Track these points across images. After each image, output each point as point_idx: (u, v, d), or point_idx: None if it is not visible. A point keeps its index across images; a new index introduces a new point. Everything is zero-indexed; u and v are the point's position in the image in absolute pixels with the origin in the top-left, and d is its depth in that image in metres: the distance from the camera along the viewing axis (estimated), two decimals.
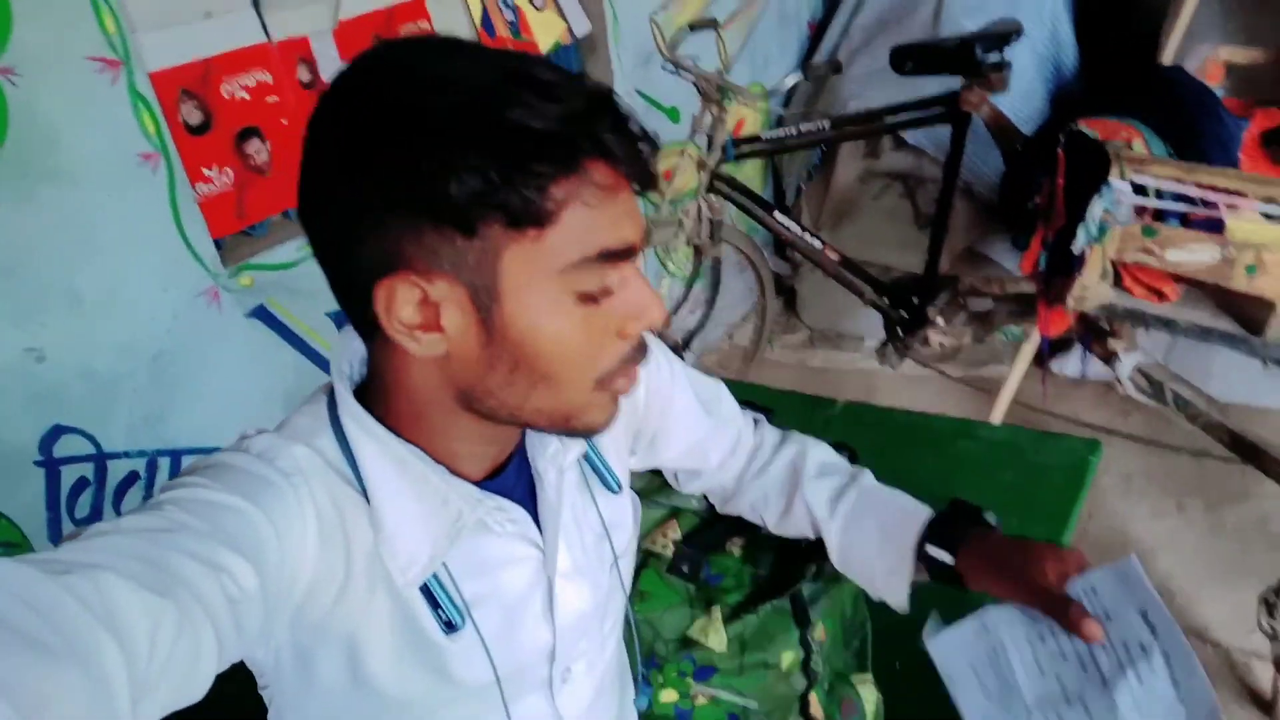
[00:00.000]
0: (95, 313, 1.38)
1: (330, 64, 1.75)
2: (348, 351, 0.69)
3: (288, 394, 1.71)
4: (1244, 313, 1.60)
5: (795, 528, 0.93)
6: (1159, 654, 0.66)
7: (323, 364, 1.78)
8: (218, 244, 1.57)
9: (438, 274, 0.57)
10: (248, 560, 0.56)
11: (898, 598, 0.87)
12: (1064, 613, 0.71)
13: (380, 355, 0.65)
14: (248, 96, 1.63)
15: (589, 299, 0.60)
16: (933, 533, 0.84)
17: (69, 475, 1.40)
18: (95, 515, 1.44)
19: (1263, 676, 1.80)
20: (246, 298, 1.62)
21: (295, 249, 1.69)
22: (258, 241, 1.67)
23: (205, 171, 1.57)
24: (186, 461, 1.55)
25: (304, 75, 1.72)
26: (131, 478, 1.47)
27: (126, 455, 1.46)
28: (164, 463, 1.51)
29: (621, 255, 0.60)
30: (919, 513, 0.87)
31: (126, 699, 0.45)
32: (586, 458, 0.79)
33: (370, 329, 0.63)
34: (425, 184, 0.55)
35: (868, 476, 0.92)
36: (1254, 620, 1.67)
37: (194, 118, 1.55)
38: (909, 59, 1.97)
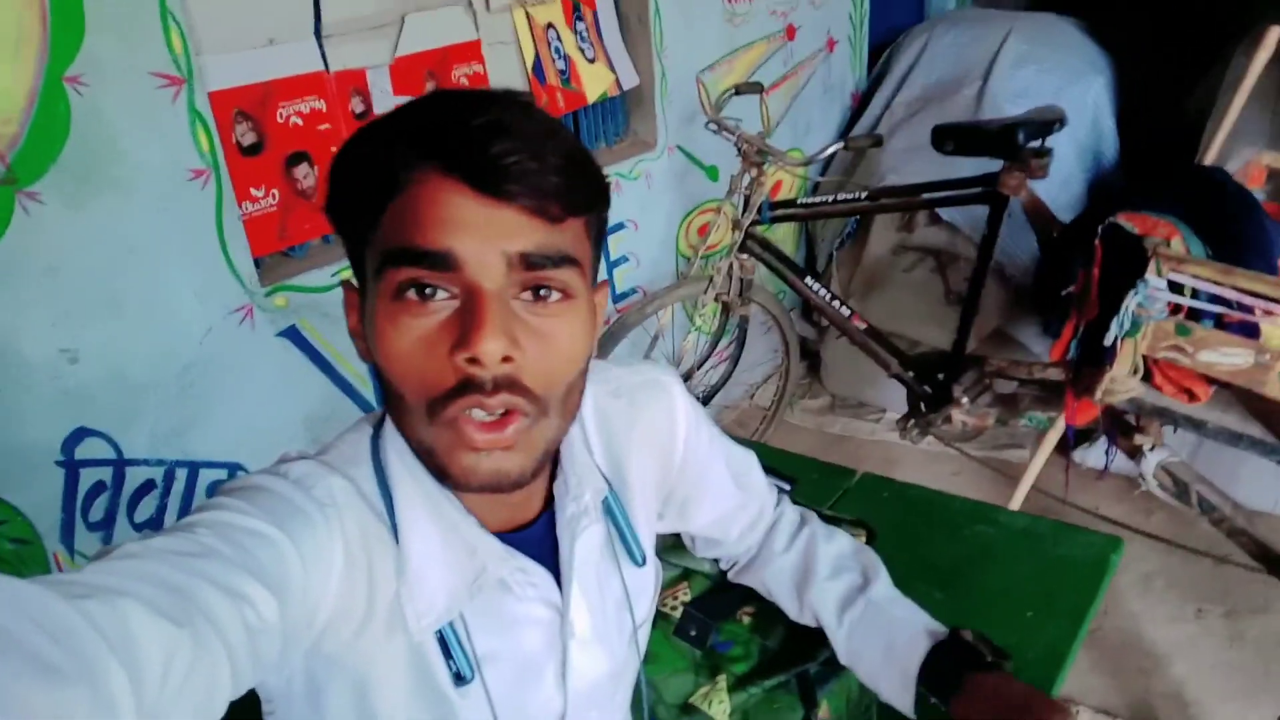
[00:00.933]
0: (132, 319, 1.40)
1: (383, 96, 1.79)
2: None
3: (309, 417, 1.72)
4: (1274, 420, 1.58)
5: (806, 620, 0.92)
6: None
7: (348, 390, 1.79)
8: (256, 263, 1.60)
9: (360, 279, 0.63)
10: (271, 591, 0.56)
11: (904, 707, 0.86)
12: None
13: None
14: (301, 122, 1.67)
15: (397, 295, 0.57)
16: (931, 669, 0.84)
17: (87, 478, 1.40)
18: (109, 520, 1.45)
19: None
20: (279, 318, 1.64)
21: (331, 273, 1.71)
22: (296, 263, 1.70)
23: (253, 191, 1.60)
24: (204, 475, 1.56)
25: (357, 106, 1.76)
26: (148, 486, 1.48)
27: (146, 463, 1.47)
28: (181, 474, 1.52)
29: (429, 260, 0.56)
30: (920, 642, 0.86)
31: None
32: (615, 525, 0.77)
33: None
34: (332, 191, 0.62)
35: (879, 583, 0.91)
36: None
37: (247, 139, 1.59)
38: (950, 139, 1.98)
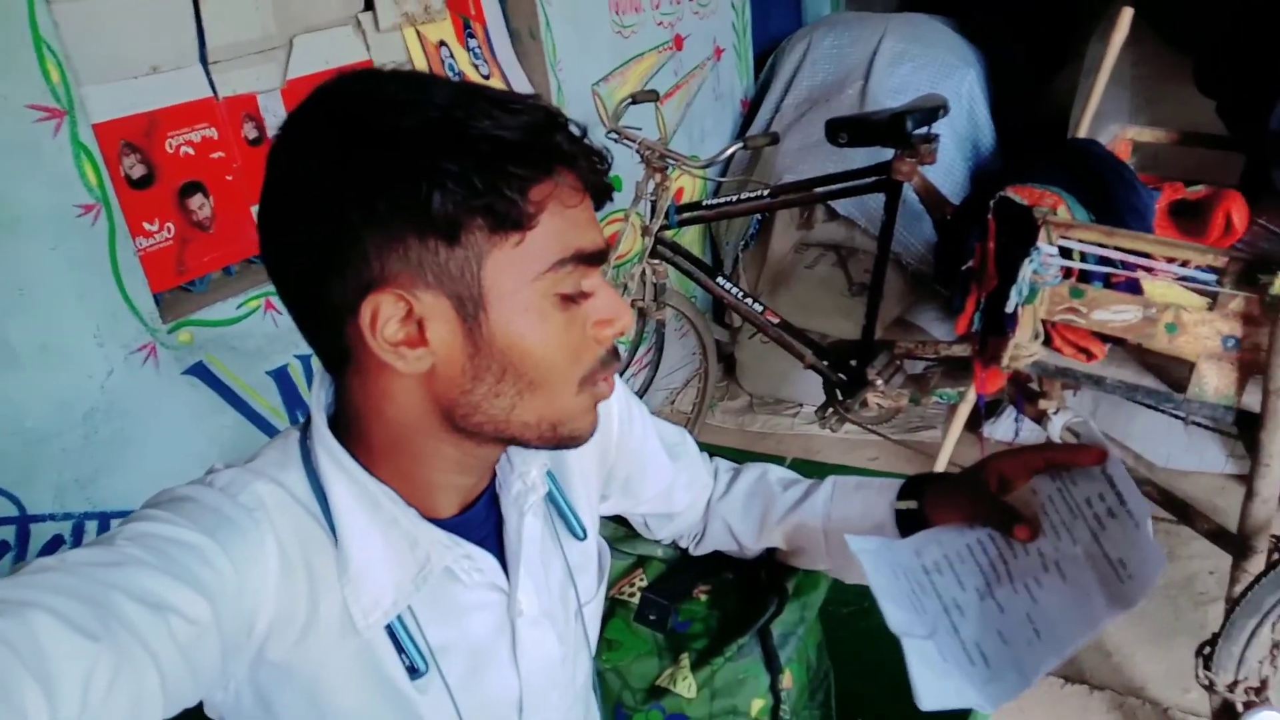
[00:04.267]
0: (27, 367, 1.32)
1: (277, 122, 1.74)
2: (325, 386, 0.68)
3: (224, 455, 1.64)
4: (1165, 372, 1.68)
5: (770, 539, 0.94)
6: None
7: (262, 424, 1.73)
8: (156, 299, 1.53)
9: (422, 287, 0.58)
10: (200, 594, 0.55)
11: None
12: (1002, 524, 0.74)
13: (356, 386, 0.64)
14: (192, 152, 1.61)
15: (569, 301, 0.62)
16: (902, 494, 0.87)
17: None
18: None
19: None
20: (185, 355, 1.57)
21: (236, 306, 1.66)
22: (198, 298, 1.64)
23: (146, 226, 1.54)
24: (115, 526, 1.47)
25: (250, 132, 1.71)
26: (56, 542, 1.39)
27: (52, 518, 1.38)
28: (91, 526, 1.44)
29: (595, 259, 0.63)
30: (893, 481, 0.90)
31: None
32: (554, 501, 0.78)
33: (343, 360, 0.63)
34: (407, 198, 0.56)
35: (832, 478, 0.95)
36: (1188, 678, 1.70)
37: (136, 171, 1.52)
38: (844, 131, 2.06)
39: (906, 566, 0.75)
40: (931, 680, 0.67)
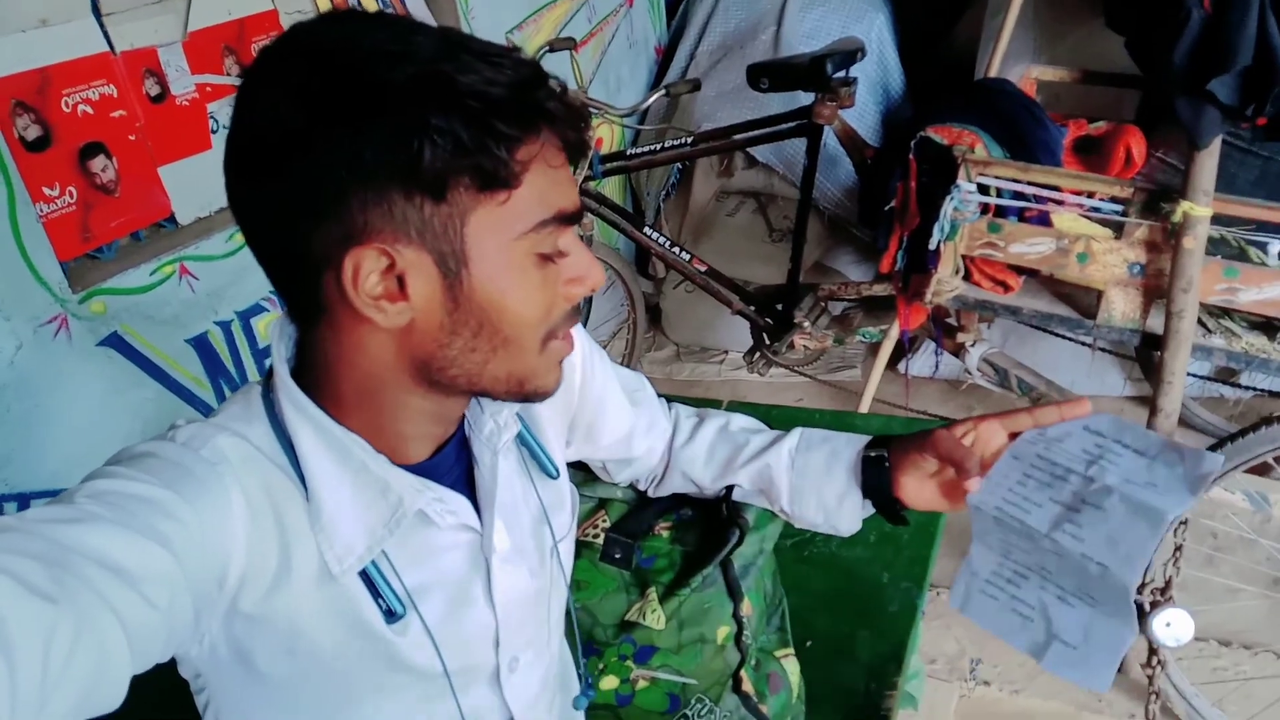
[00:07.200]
0: None
1: (181, 76, 1.66)
2: (285, 338, 0.67)
3: (147, 428, 1.59)
4: (1075, 302, 1.77)
5: (733, 479, 0.95)
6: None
7: (186, 395, 1.67)
8: (64, 268, 1.45)
9: (405, 242, 0.58)
10: (164, 548, 0.54)
11: (851, 521, 0.91)
12: (959, 465, 0.77)
13: (327, 338, 0.64)
14: (91, 110, 1.52)
15: (545, 259, 0.62)
16: (870, 446, 0.89)
17: None
18: None
19: None
20: (99, 326, 1.50)
21: (149, 272, 1.58)
22: (108, 265, 1.55)
23: (46, 190, 1.45)
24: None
25: (152, 89, 1.62)
26: None
27: None
28: (10, 508, 1.37)
29: (573, 218, 0.63)
30: (859, 437, 0.92)
31: (7, 714, 0.43)
32: (524, 442, 0.79)
33: (314, 312, 0.62)
34: (396, 153, 0.55)
35: (799, 429, 0.96)
36: None
37: (31, 132, 1.43)
38: (765, 76, 2.07)
39: (999, 576, 0.75)
40: (1076, 665, 0.69)
